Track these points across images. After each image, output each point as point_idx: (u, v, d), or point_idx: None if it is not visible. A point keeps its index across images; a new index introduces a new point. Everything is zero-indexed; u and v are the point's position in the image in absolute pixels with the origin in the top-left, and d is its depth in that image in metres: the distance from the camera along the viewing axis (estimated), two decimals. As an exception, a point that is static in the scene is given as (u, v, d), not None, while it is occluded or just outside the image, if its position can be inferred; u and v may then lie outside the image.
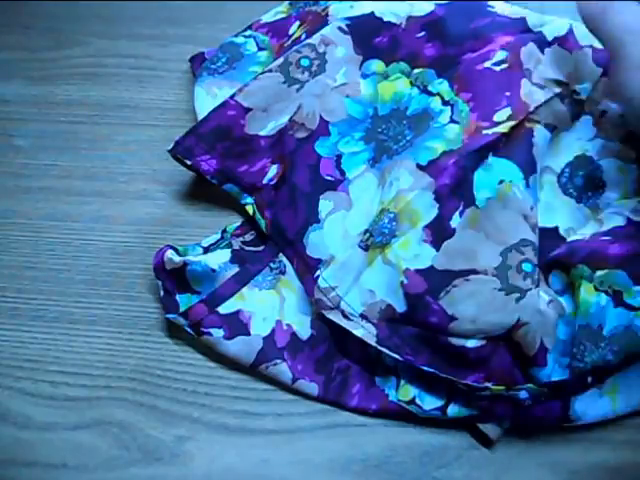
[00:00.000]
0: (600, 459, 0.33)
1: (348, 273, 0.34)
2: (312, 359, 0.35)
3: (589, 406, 0.33)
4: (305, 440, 0.34)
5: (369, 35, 0.40)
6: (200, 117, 0.40)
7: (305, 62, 0.39)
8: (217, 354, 0.35)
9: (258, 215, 0.38)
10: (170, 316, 0.35)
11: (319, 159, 0.38)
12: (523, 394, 0.32)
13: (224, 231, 0.39)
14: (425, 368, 0.33)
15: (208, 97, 0.42)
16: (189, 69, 0.46)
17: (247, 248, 0.38)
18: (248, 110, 0.39)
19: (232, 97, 0.39)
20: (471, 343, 0.32)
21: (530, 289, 0.32)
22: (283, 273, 0.37)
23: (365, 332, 0.34)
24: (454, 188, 0.34)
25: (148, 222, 0.41)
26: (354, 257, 0.35)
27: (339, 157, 0.38)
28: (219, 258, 0.36)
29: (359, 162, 0.38)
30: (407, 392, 0.34)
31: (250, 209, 0.39)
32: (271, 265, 0.37)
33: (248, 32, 0.45)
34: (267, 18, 0.46)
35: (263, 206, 0.38)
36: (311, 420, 0.34)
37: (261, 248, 0.38)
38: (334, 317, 0.34)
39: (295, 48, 0.40)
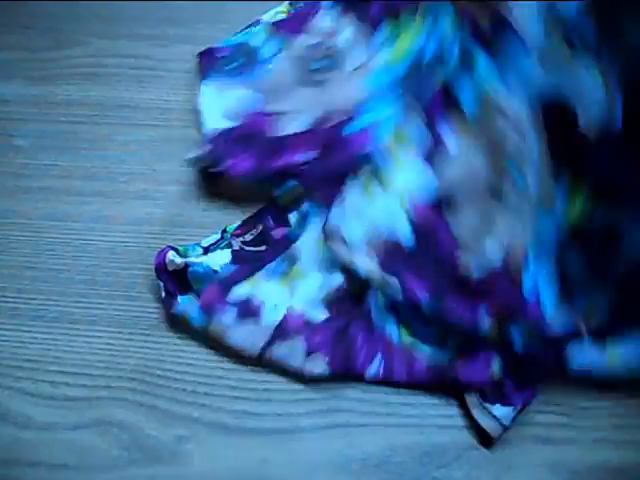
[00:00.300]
0: (600, 459, 0.33)
1: (350, 211, 0.35)
2: (329, 333, 0.35)
3: (586, 356, 0.33)
4: (305, 440, 0.34)
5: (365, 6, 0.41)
6: (205, 115, 0.40)
7: (318, 61, 0.40)
8: (220, 349, 0.36)
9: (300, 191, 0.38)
10: (179, 308, 0.35)
11: (351, 139, 0.39)
12: (517, 339, 0.33)
13: (224, 231, 0.39)
14: (426, 297, 0.33)
15: (216, 96, 0.42)
16: (189, 69, 0.46)
17: (247, 248, 0.38)
18: (275, 114, 0.39)
19: (256, 105, 0.40)
20: (477, 273, 0.33)
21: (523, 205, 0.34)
22: (294, 263, 0.37)
23: (367, 261, 0.34)
24: (441, 109, 0.36)
25: (148, 222, 0.41)
26: (355, 194, 0.36)
27: (371, 128, 0.39)
28: (220, 259, 0.37)
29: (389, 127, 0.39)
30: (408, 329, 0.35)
31: (289, 194, 0.39)
32: (279, 259, 0.37)
33: (264, 30, 0.45)
34: (267, 18, 0.46)
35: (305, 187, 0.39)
36: (311, 420, 0.34)
37: (263, 248, 0.38)
38: (338, 248, 0.35)
39: (304, 51, 0.41)
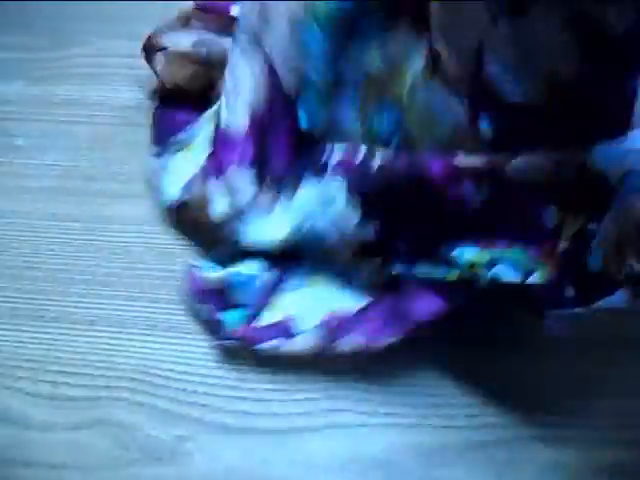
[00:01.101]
0: (600, 459, 0.33)
1: None
2: (381, 317, 0.33)
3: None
4: (305, 440, 0.34)
5: None
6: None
7: None
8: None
9: None
10: (225, 342, 0.35)
11: None
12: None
13: None
14: None
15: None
16: (189, 69, 0.46)
17: None
18: None
19: None
20: None
21: None
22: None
23: None
24: None
25: (149, 222, 0.41)
26: None
27: None
28: (252, 264, 0.36)
29: None
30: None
31: None
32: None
33: None
34: None
35: None
36: (311, 420, 0.34)
37: None
38: None
39: None
